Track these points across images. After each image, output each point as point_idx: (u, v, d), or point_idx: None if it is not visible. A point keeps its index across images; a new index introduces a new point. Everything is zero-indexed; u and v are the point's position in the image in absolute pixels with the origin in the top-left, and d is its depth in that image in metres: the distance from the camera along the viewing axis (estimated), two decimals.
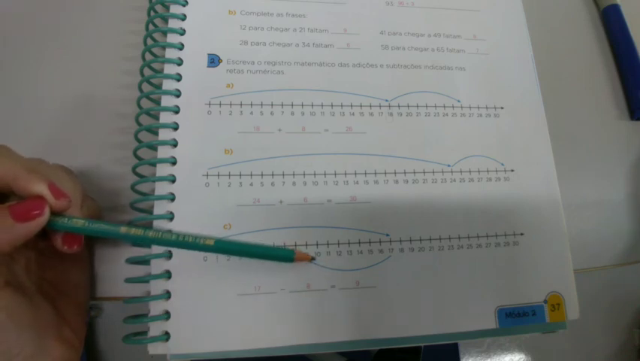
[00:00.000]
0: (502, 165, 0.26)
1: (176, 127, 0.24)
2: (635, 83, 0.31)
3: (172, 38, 0.25)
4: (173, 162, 0.23)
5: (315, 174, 0.24)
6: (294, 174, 0.24)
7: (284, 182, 0.24)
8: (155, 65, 0.25)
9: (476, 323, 0.23)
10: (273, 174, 0.24)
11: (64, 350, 0.19)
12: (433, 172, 0.25)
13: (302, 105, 0.25)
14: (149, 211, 0.22)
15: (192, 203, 0.23)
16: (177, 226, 0.22)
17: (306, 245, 0.23)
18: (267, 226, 0.23)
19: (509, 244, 0.25)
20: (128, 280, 0.22)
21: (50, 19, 0.28)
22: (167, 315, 0.21)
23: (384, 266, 0.23)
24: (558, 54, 0.32)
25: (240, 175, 0.23)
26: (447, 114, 0.26)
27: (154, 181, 0.23)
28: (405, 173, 0.25)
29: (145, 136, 0.24)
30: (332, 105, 0.25)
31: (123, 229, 0.19)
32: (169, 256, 0.22)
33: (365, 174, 0.24)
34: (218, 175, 0.23)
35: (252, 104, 0.25)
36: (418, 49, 0.28)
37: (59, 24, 0.28)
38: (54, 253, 0.20)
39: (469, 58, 0.28)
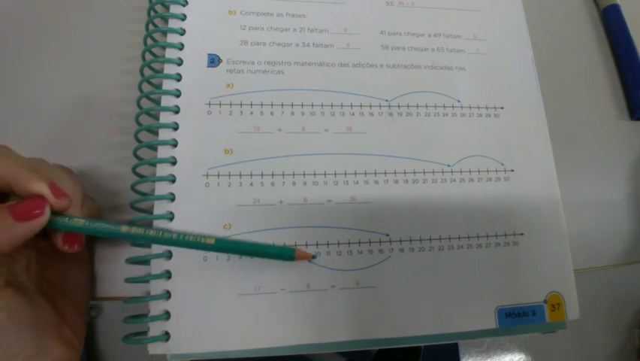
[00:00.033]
0: (502, 165, 0.26)
1: (176, 127, 0.24)
2: (635, 83, 0.31)
3: (172, 38, 0.25)
4: (173, 162, 0.23)
5: (315, 174, 0.24)
6: (294, 174, 0.24)
7: (284, 182, 0.24)
8: (155, 65, 0.25)
9: (476, 323, 0.23)
10: (273, 174, 0.24)
11: (64, 350, 0.19)
12: (433, 172, 0.25)
13: (302, 105, 0.25)
14: (149, 211, 0.23)
15: (192, 203, 0.23)
16: (177, 226, 0.22)
17: (306, 245, 0.23)
18: (267, 226, 0.23)
19: (509, 244, 0.25)
20: (128, 280, 0.22)
21: (50, 19, 0.28)
22: (167, 315, 0.21)
23: (384, 266, 0.23)
24: (558, 54, 0.32)
25: (240, 175, 0.23)
26: (447, 114, 0.26)
27: (154, 181, 0.23)
28: (405, 173, 0.25)
29: (145, 136, 0.24)
30: (332, 105, 0.25)
31: (124, 228, 0.19)
32: (169, 256, 0.22)
33: (365, 174, 0.24)
34: (218, 175, 0.23)
35: (252, 104, 0.25)
36: (418, 49, 0.28)
37: (59, 24, 0.28)
38: (54, 252, 0.20)
39: (469, 58, 0.28)
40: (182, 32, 0.25)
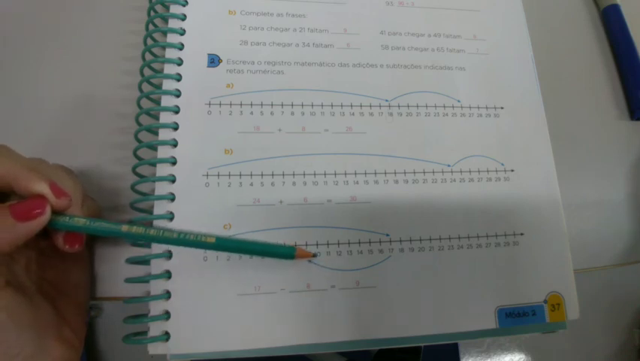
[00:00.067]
0: (502, 165, 0.26)
1: (176, 127, 0.24)
2: (635, 83, 0.31)
3: (172, 38, 0.25)
4: (173, 162, 0.23)
5: (315, 174, 0.24)
6: (294, 174, 0.24)
7: (284, 182, 0.24)
8: (155, 65, 0.25)
9: (476, 323, 0.23)
10: (273, 174, 0.24)
11: (64, 350, 0.19)
12: (433, 172, 0.25)
13: (302, 105, 0.25)
14: (149, 211, 0.23)
15: (192, 203, 0.23)
16: (177, 226, 0.22)
17: (306, 245, 0.23)
18: (267, 226, 0.23)
19: (509, 244, 0.25)
20: (128, 280, 0.22)
21: (50, 19, 0.28)
22: (167, 315, 0.21)
23: (384, 266, 0.23)
24: (558, 54, 0.32)
25: (240, 175, 0.23)
26: (447, 114, 0.26)
27: (154, 181, 0.23)
28: (405, 173, 0.25)
29: (145, 136, 0.24)
30: (332, 105, 0.25)
31: (124, 228, 0.19)
32: (169, 256, 0.22)
33: (365, 174, 0.24)
34: (218, 175, 0.23)
35: (252, 104, 0.25)
36: (418, 49, 0.28)
37: (59, 24, 0.28)
38: (54, 252, 0.20)
39: (469, 58, 0.28)
40: (182, 32, 0.25)
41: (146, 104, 0.24)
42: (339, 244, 0.23)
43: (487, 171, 0.26)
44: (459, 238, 0.24)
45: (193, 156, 0.23)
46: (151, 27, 0.26)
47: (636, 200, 0.29)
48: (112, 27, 0.28)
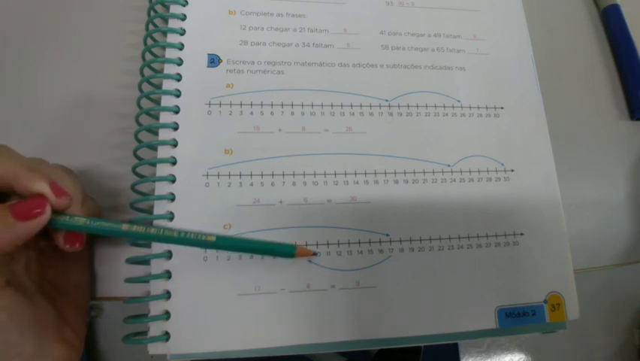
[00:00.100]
0: (502, 165, 0.26)
1: (176, 127, 0.24)
2: (635, 83, 0.31)
3: (172, 38, 0.25)
4: (173, 162, 0.23)
5: (315, 174, 0.24)
6: (294, 174, 0.24)
7: (284, 182, 0.24)
8: (155, 65, 0.25)
9: (476, 323, 0.23)
10: (273, 174, 0.24)
11: (65, 350, 0.19)
12: (433, 172, 0.25)
13: (302, 105, 0.25)
14: (149, 211, 0.23)
15: (192, 203, 0.23)
16: (177, 226, 0.22)
17: (306, 245, 0.23)
18: (267, 226, 0.23)
19: (509, 244, 0.25)
20: (128, 280, 0.22)
21: (50, 19, 0.28)
22: (167, 315, 0.21)
23: (384, 266, 0.23)
24: (558, 54, 0.32)
25: (240, 175, 0.23)
26: (447, 114, 0.26)
27: (154, 181, 0.23)
28: (405, 173, 0.25)
29: (145, 136, 0.24)
30: (332, 105, 0.25)
31: (125, 227, 0.19)
32: (169, 255, 0.22)
33: (365, 174, 0.24)
34: (218, 175, 0.23)
35: (252, 104, 0.25)
36: (418, 49, 0.28)
37: (59, 24, 0.28)
38: (55, 252, 0.20)
39: (469, 58, 0.28)
40: (182, 32, 0.25)
41: (146, 104, 0.24)
42: (339, 244, 0.23)
43: (487, 171, 0.26)
44: (459, 238, 0.24)
45: (193, 156, 0.23)
46: (151, 27, 0.26)
47: (636, 200, 0.29)
48: (112, 27, 0.28)
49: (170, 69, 0.25)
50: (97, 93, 0.26)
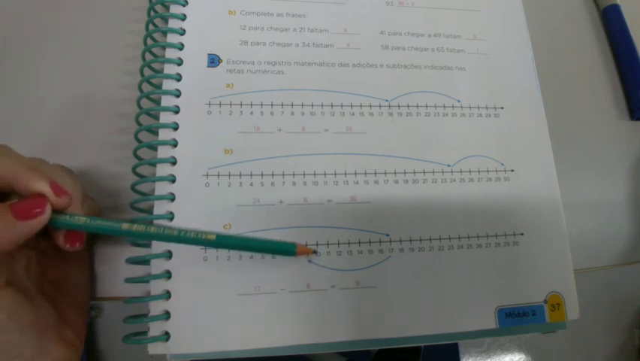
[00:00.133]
0: (502, 165, 0.26)
1: (176, 127, 0.24)
2: (635, 83, 0.31)
3: (172, 38, 0.25)
4: (173, 162, 0.23)
5: (315, 174, 0.24)
6: (294, 174, 0.24)
7: (284, 182, 0.24)
8: (155, 65, 0.25)
9: (476, 323, 0.23)
10: (273, 174, 0.24)
11: (65, 350, 0.19)
12: (433, 172, 0.25)
13: (302, 105, 0.25)
14: (149, 211, 0.23)
15: (192, 203, 0.23)
16: (177, 226, 0.22)
17: (306, 245, 0.23)
18: (267, 225, 0.23)
19: (509, 244, 0.25)
20: (128, 280, 0.22)
21: (50, 19, 0.28)
22: (167, 315, 0.21)
23: (384, 266, 0.23)
24: (558, 54, 0.32)
25: (240, 175, 0.23)
26: (447, 114, 0.26)
27: (154, 181, 0.23)
28: (405, 173, 0.25)
29: (145, 136, 0.24)
30: (332, 105, 0.25)
31: (125, 226, 0.19)
32: (169, 255, 0.22)
33: (365, 174, 0.24)
34: (218, 175, 0.23)
35: (252, 104, 0.25)
36: (418, 49, 0.28)
37: (59, 24, 0.28)
38: (55, 252, 0.20)
39: (469, 58, 0.28)
40: (182, 32, 0.25)
41: (146, 104, 0.24)
42: (339, 244, 0.23)
43: (487, 171, 0.26)
44: (459, 238, 0.24)
45: (193, 156, 0.23)
46: (151, 27, 0.26)
47: (636, 200, 0.29)
48: (112, 27, 0.28)
49: (170, 69, 0.25)
50: (97, 93, 0.26)
